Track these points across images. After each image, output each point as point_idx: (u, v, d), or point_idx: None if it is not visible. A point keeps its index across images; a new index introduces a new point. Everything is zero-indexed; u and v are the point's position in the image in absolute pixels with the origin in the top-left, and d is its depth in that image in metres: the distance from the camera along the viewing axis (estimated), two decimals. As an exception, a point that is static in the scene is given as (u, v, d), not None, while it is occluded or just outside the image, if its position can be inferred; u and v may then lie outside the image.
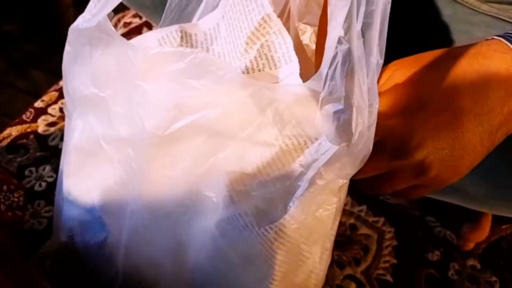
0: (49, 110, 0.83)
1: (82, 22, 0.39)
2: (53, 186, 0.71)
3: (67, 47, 0.41)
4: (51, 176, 0.74)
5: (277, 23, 0.37)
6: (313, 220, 0.35)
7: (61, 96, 0.86)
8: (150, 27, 1.00)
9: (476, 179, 0.46)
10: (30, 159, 0.76)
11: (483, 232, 0.74)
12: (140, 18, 1.02)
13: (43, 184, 0.73)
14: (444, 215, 0.76)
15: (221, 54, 0.41)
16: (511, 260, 0.73)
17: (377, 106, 0.33)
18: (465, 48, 0.38)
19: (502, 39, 0.37)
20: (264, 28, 0.37)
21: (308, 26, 0.41)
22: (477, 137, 0.36)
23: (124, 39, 0.38)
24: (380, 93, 0.35)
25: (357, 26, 0.31)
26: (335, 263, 0.69)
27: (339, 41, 0.31)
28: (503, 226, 0.77)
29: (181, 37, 0.42)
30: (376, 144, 0.35)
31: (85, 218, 0.45)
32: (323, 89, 0.32)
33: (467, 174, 0.38)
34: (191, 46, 0.42)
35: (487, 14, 0.48)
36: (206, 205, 0.37)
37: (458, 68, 0.36)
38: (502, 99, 0.36)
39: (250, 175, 0.35)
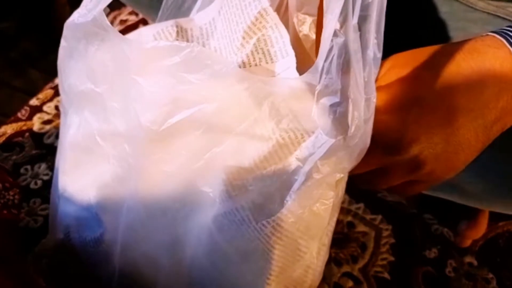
0: (45, 108, 0.83)
1: (77, 17, 0.39)
2: (48, 184, 0.71)
3: (63, 42, 0.41)
4: (47, 174, 0.74)
5: (274, 17, 0.37)
6: (310, 215, 0.35)
7: (56, 94, 0.85)
8: (146, 25, 0.99)
9: (474, 176, 0.47)
10: (25, 157, 0.76)
11: (480, 229, 0.74)
12: (137, 15, 1.02)
13: (39, 182, 0.73)
14: (441, 213, 0.76)
15: (217, 49, 0.41)
16: (508, 257, 0.74)
17: (374, 100, 0.33)
18: (460, 44, 0.38)
19: (496, 35, 0.38)
20: (260, 22, 0.37)
21: (307, 16, 0.41)
22: (471, 133, 0.36)
23: (119, 34, 0.38)
24: (376, 89, 0.35)
25: (353, 19, 0.31)
26: (333, 261, 0.69)
27: (335, 34, 0.31)
28: (500, 223, 0.77)
29: (177, 32, 0.41)
30: (371, 139, 0.35)
31: (81, 215, 0.45)
32: (319, 82, 0.32)
33: (464, 171, 0.38)
34: (187, 41, 0.42)
35: (484, 12, 0.48)
36: (203, 200, 0.37)
37: (452, 64, 0.36)
38: (496, 95, 0.36)
39: (247, 169, 0.35)
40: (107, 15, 0.38)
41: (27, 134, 0.79)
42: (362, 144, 0.34)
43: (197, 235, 0.39)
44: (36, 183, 0.73)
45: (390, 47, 0.37)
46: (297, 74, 0.36)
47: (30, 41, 0.97)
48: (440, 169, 0.37)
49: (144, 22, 1.00)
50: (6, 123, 0.80)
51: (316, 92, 0.32)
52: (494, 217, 0.76)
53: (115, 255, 0.44)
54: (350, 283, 0.67)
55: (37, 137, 0.78)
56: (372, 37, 0.32)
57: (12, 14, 1.01)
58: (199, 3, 0.46)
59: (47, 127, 0.80)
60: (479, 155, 0.38)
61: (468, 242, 0.74)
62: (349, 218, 0.74)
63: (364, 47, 0.32)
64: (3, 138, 0.77)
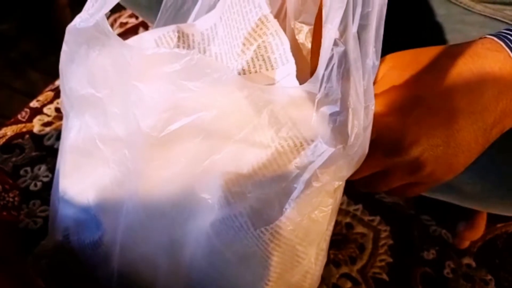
0: (45, 110, 0.83)
1: (79, 21, 0.39)
2: (48, 186, 0.71)
3: (64, 47, 0.41)
4: (47, 176, 0.74)
5: (274, 24, 0.37)
6: (309, 222, 0.36)
7: (56, 96, 0.85)
8: (146, 27, 0.99)
9: (472, 177, 0.47)
10: (25, 159, 0.76)
11: (479, 230, 0.74)
12: (137, 18, 1.02)
13: (38, 183, 0.73)
14: (439, 214, 0.76)
15: (218, 54, 0.41)
16: (506, 259, 0.74)
17: (373, 108, 0.33)
18: (461, 47, 0.38)
19: (495, 38, 0.38)
20: (261, 29, 0.37)
21: (304, 25, 0.41)
22: (471, 135, 0.36)
23: (120, 39, 0.38)
24: (376, 93, 0.35)
25: (353, 28, 0.31)
26: (331, 262, 0.69)
27: (335, 43, 0.31)
28: (498, 225, 0.77)
29: (178, 37, 0.41)
30: (371, 142, 0.35)
31: (81, 217, 0.45)
32: (319, 91, 0.32)
33: (463, 172, 0.39)
34: (188, 46, 0.42)
35: (481, 14, 0.49)
36: (202, 206, 0.37)
37: (453, 67, 0.37)
38: (495, 98, 0.36)
39: (245, 176, 0.35)
40: (107, 18, 0.38)
41: (27, 136, 0.79)
42: (361, 151, 0.34)
43: (196, 238, 0.39)
44: (35, 185, 0.73)
45: (388, 50, 0.37)
46: (296, 81, 0.36)
47: (30, 42, 0.97)
48: (440, 170, 0.37)
49: (144, 24, 1.00)
50: (6, 125, 0.80)
51: (316, 100, 0.33)
52: (492, 219, 0.76)
53: (114, 256, 0.44)
54: (349, 284, 0.67)
55: (37, 139, 0.78)
56: (372, 46, 0.32)
57: (12, 15, 1.00)
58: (198, 5, 0.46)
59: (47, 129, 0.80)
60: (478, 156, 0.38)
61: (466, 244, 0.74)
62: (348, 219, 0.75)
63: (363, 55, 0.32)
64: (3, 140, 0.77)
